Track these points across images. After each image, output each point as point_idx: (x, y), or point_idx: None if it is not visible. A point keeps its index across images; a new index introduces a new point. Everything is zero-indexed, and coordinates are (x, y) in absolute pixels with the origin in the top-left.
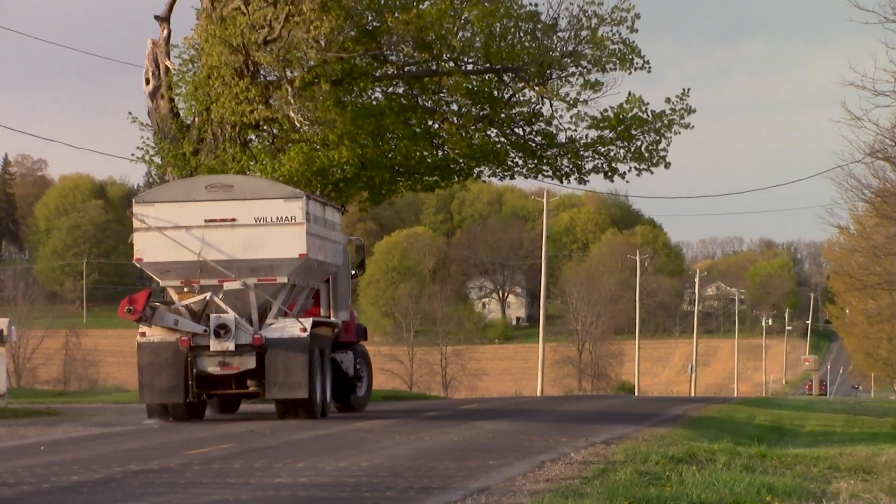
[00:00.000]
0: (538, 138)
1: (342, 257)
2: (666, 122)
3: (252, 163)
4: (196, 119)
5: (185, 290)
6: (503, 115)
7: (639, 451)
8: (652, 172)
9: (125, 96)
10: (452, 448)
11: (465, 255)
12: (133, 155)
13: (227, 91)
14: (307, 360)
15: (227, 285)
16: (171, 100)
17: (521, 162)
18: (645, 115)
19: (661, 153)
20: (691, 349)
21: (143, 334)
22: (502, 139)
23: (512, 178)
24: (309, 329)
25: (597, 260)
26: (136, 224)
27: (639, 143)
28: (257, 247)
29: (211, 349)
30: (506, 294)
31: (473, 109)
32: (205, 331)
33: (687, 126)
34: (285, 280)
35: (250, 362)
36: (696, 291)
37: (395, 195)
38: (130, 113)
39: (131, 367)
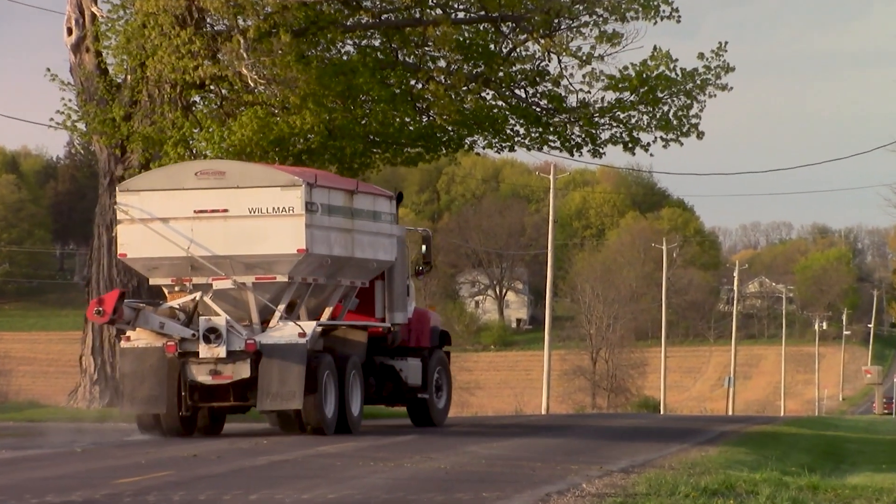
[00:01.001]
0: (544, 102)
1: (395, 251)
2: (699, 82)
3: (196, 130)
4: (128, 77)
5: (177, 289)
6: (501, 74)
7: (665, 481)
8: (681, 144)
9: (42, 49)
10: (438, 478)
11: (454, 242)
12: (52, 120)
13: (165, 43)
14: (304, 368)
15: (218, 284)
16: (99, 53)
17: (522, 130)
18: (673, 74)
19: (693, 120)
20: (728, 358)
21: (128, 338)
22: (500, 103)
23: (512, 149)
24: (310, 333)
25: (615, 249)
26: (119, 215)
27: (666, 108)
28: (252, 241)
29: (200, 356)
30: (504, 291)
31: (465, 66)
32: (193, 335)
33: (724, 88)
34: (286, 278)
35: (244, 370)
36: (735, 288)
37: (370, 170)
38: (49, 70)
39: (48, 379)
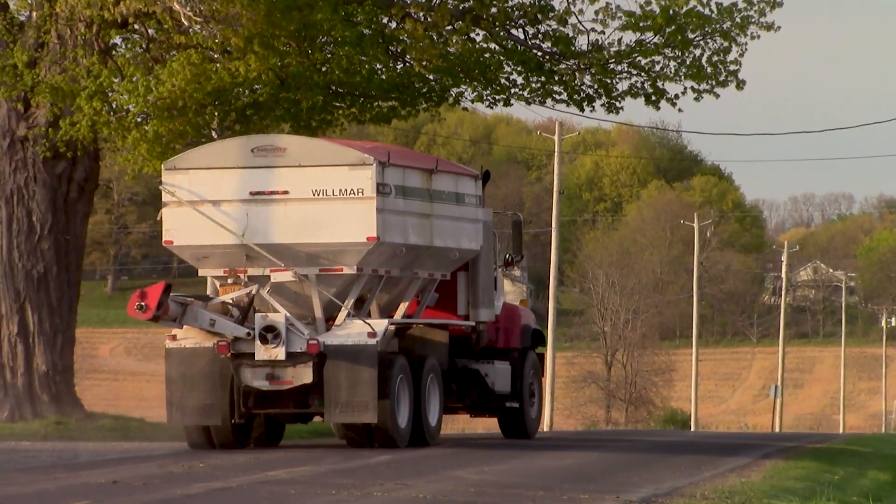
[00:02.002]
0: (547, 45)
1: (480, 239)
2: (738, 20)
3: (116, 80)
4: (33, 14)
5: (230, 281)
6: (494, 10)
7: None
8: (717, 96)
9: None
10: None
11: None
12: None
13: None
14: (376, 373)
15: (277, 276)
16: None
17: (520, 80)
18: (707, 11)
19: (731, 67)
20: (775, 362)
21: (174, 337)
22: (493, 46)
23: (507, 104)
24: (381, 332)
25: (634, 227)
26: (165, 197)
27: (698, 53)
28: (316, 227)
29: (256, 358)
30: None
31: (450, 1)
32: (248, 334)
33: (770, 27)
34: (354, 270)
35: (306, 375)
36: (784, 276)
37: (332, 128)
38: None
39: None
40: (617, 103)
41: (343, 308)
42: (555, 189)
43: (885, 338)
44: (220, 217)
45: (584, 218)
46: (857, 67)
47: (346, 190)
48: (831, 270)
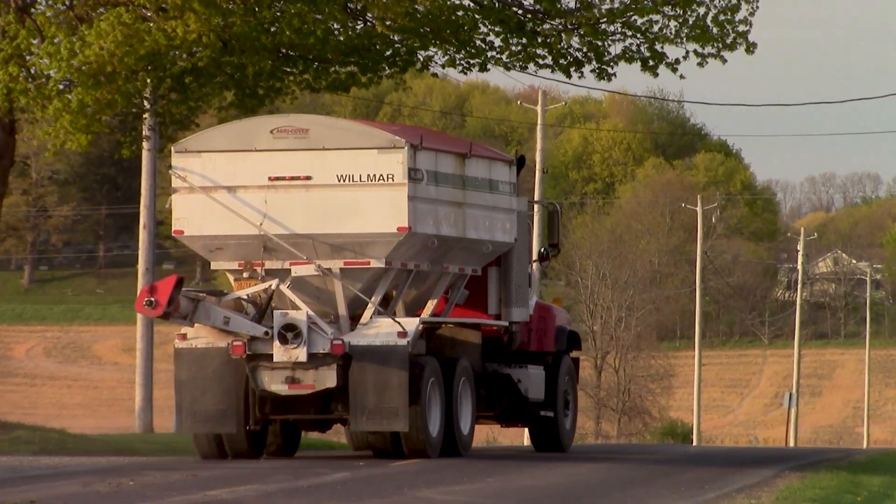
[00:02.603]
0: (529, 1)
1: (514, 230)
2: None
3: (36, 41)
4: None
5: (246, 275)
6: None
7: None
8: (724, 61)
9: None
10: None
11: None
12: None
13: None
14: (407, 376)
15: (298, 270)
16: None
17: (498, 42)
18: None
19: (741, 27)
20: (790, 367)
21: (184, 336)
22: (467, 2)
23: (483, 69)
24: (412, 332)
25: (628, 212)
26: (175, 182)
27: (702, 11)
28: (341, 217)
29: (274, 359)
30: None
31: None
32: (266, 333)
33: None
34: (382, 263)
35: (329, 378)
36: (800, 268)
37: (282, 97)
38: None
39: None
40: (609, 69)
41: (370, 304)
42: (537, 168)
43: None
44: (235, 205)
45: (571, 201)
46: (884, 30)
47: (374, 175)
48: (854, 261)
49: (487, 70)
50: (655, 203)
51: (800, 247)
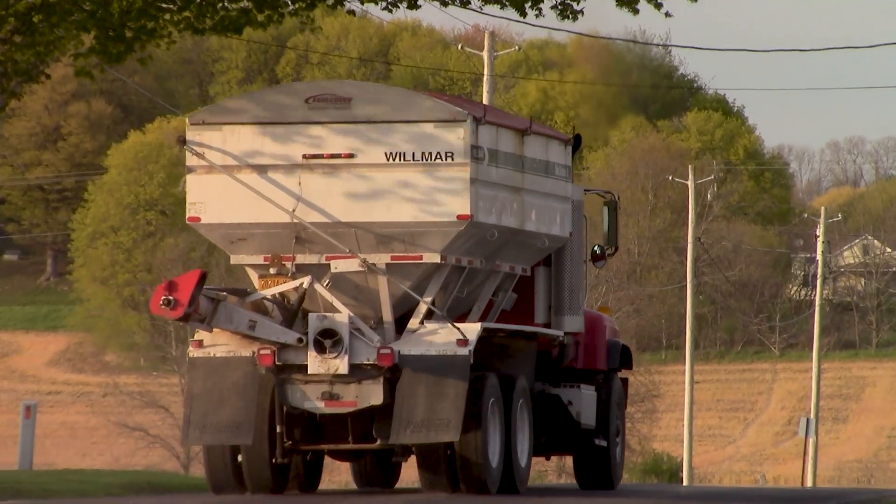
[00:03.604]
0: None
1: (569, 223)
2: None
3: None
4: None
5: (273, 271)
6: None
7: None
8: None
9: None
10: None
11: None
12: None
13: None
14: (466, 388)
15: (340, 265)
16: None
17: None
18: None
19: None
20: (807, 385)
21: (199, 344)
22: None
23: (413, 5)
24: (473, 340)
25: (600, 185)
26: (190, 160)
27: None
28: (390, 202)
29: (309, 371)
30: None
31: None
32: (300, 340)
33: None
34: (437, 259)
35: (374, 395)
36: (820, 257)
37: (155, 41)
38: None
39: None
40: (575, 4)
41: (421, 306)
42: None
43: None
44: (263, 187)
45: None
46: None
47: (430, 154)
48: (889, 250)
49: (418, 6)
50: (635, 175)
51: (819, 232)
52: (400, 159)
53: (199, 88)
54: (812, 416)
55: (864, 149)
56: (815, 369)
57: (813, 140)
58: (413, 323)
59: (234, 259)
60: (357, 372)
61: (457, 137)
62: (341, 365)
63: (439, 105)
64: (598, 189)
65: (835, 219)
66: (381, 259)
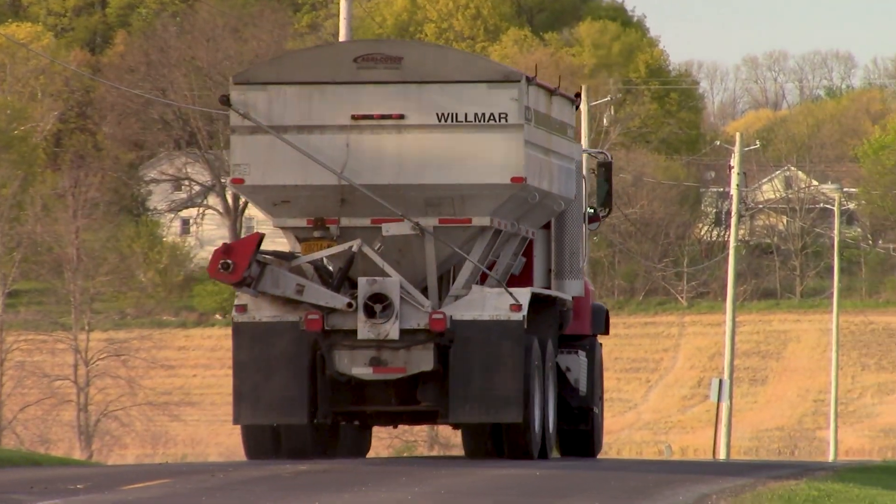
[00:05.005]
0: None
1: (574, 185)
2: None
3: None
4: None
5: (317, 234)
6: None
7: None
8: None
9: None
10: None
11: (135, 96)
12: None
13: None
14: (522, 357)
15: (390, 228)
16: None
17: None
18: None
19: None
20: (720, 340)
21: (243, 308)
22: None
23: None
24: (526, 304)
25: None
26: (233, 120)
27: None
28: (441, 164)
29: (358, 336)
30: (243, 202)
31: None
32: (349, 305)
33: None
34: (487, 222)
35: (424, 361)
36: (735, 192)
37: None
38: None
39: None
40: None
41: (465, 270)
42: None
43: None
44: (309, 148)
45: None
46: None
47: (483, 115)
48: (816, 183)
49: None
50: None
51: (734, 162)
52: (452, 120)
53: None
54: (725, 376)
55: (787, 65)
56: (728, 322)
57: (726, 55)
58: (456, 287)
59: (276, 222)
60: (407, 337)
61: (510, 98)
62: (392, 330)
63: (494, 66)
64: (593, 150)
65: (752, 147)
66: (429, 222)
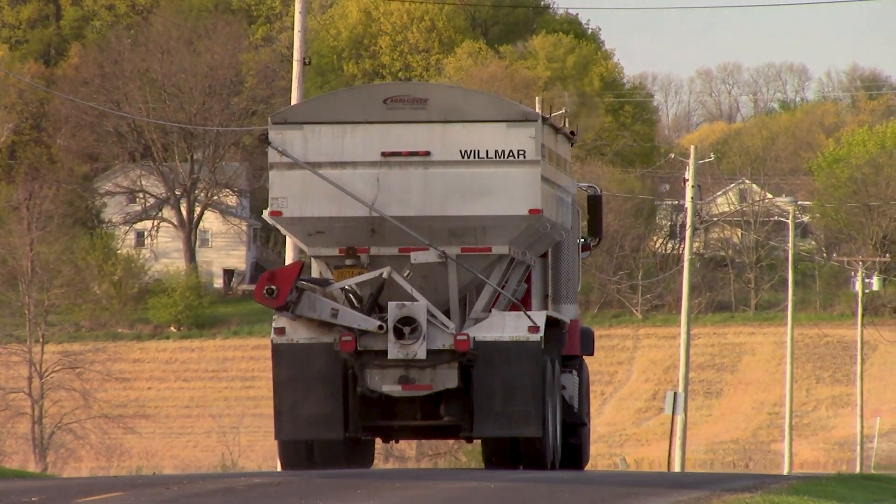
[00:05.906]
0: None
1: (570, 215)
2: None
3: None
4: None
5: (348, 262)
6: None
7: None
8: None
9: None
10: None
11: (88, 108)
12: None
13: None
14: (541, 377)
15: (417, 256)
16: None
17: None
18: None
19: None
20: (674, 353)
21: (282, 331)
22: None
23: None
24: (542, 327)
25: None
26: (272, 157)
27: None
28: (464, 197)
29: (389, 356)
30: (198, 212)
31: None
32: (380, 327)
33: None
34: (505, 250)
35: (449, 378)
36: (689, 205)
37: None
38: None
39: None
40: None
41: (484, 294)
42: (295, 58)
43: (861, 312)
44: (343, 183)
45: None
46: None
47: (502, 152)
48: (770, 196)
49: None
50: None
51: (689, 174)
52: (475, 157)
53: None
54: (680, 389)
55: (741, 78)
56: (683, 335)
57: (681, 68)
58: (476, 310)
59: (311, 251)
60: (433, 357)
61: (528, 136)
62: (419, 350)
63: (513, 106)
64: (584, 184)
65: (707, 159)
66: (452, 251)
